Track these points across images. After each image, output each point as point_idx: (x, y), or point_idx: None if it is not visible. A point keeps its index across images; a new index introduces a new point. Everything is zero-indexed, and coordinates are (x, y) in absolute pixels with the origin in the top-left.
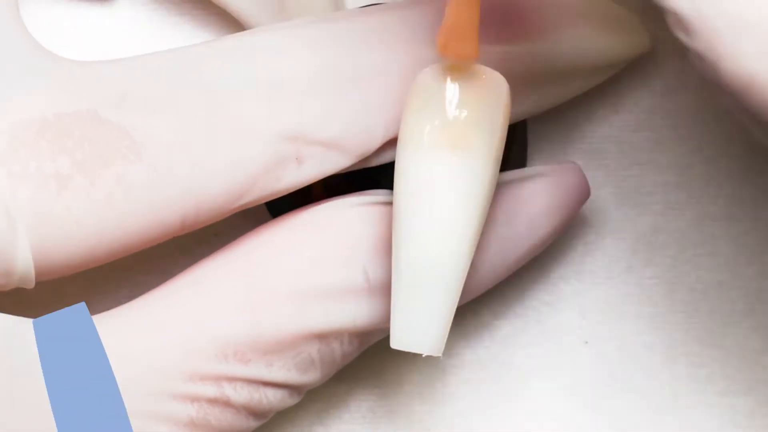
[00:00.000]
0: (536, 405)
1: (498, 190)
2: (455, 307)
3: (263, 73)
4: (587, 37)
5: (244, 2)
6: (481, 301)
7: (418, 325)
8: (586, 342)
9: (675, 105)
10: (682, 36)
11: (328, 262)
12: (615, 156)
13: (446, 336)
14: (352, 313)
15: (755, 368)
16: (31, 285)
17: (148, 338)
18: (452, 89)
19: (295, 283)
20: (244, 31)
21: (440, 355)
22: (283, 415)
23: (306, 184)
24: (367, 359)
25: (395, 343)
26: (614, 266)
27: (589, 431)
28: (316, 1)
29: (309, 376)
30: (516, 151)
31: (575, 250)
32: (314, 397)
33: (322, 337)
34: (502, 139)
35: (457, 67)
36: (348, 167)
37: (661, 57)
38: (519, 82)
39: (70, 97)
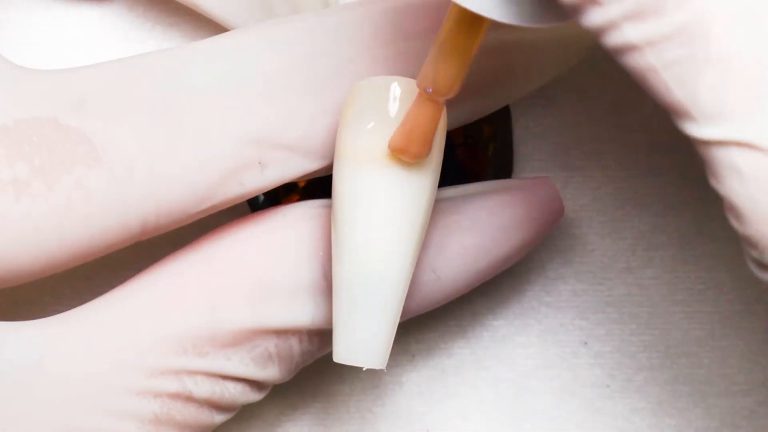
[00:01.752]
0: (536, 405)
1: (467, 198)
2: (397, 319)
3: (225, 76)
4: (546, 29)
5: (233, 9)
6: (481, 302)
7: (360, 339)
8: (586, 342)
9: None
10: (734, 222)
11: (288, 261)
12: (615, 156)
13: (389, 349)
14: (310, 310)
15: (755, 368)
16: None
17: (110, 335)
18: (388, 102)
19: (252, 278)
20: (210, 37)
21: (383, 368)
22: (283, 415)
23: (269, 188)
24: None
25: (338, 357)
26: (613, 267)
27: (589, 431)
28: (305, 8)
29: (268, 372)
30: (500, 160)
31: (575, 250)
32: (314, 397)
33: (279, 333)
34: (440, 151)
35: (393, 80)
36: (313, 172)
37: None
38: (478, 75)
39: (29, 103)
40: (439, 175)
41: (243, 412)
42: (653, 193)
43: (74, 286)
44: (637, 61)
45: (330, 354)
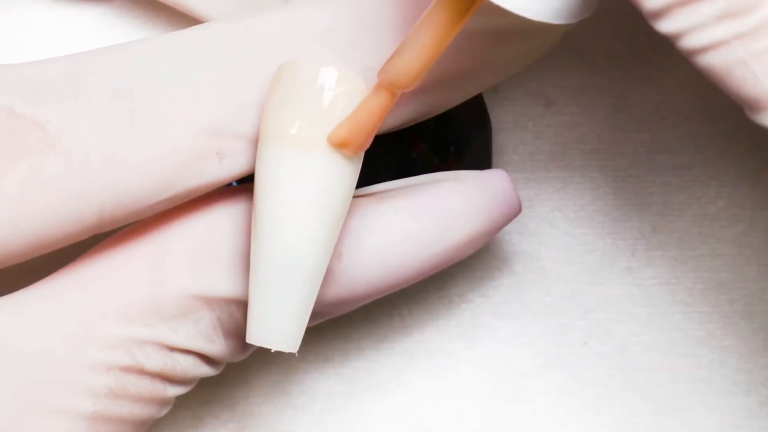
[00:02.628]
0: (536, 405)
1: (415, 186)
2: (311, 304)
3: (182, 66)
4: (507, 20)
5: (224, 11)
6: (481, 302)
7: (273, 322)
8: (586, 342)
9: (675, 105)
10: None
11: (228, 232)
12: (614, 156)
13: (302, 333)
14: None
15: (755, 368)
16: None
17: (58, 311)
18: (319, 88)
19: (194, 248)
20: (167, 32)
21: (295, 352)
22: (283, 414)
23: (229, 180)
24: (367, 359)
25: (251, 338)
26: (614, 266)
27: (589, 431)
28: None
29: (216, 346)
30: (476, 157)
31: (575, 250)
32: (315, 396)
33: (221, 303)
34: (367, 138)
35: (328, 66)
36: None
37: (661, 57)
38: (439, 70)
39: None
40: (361, 162)
41: (243, 411)
42: (653, 193)
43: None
44: (723, 57)
45: (331, 356)
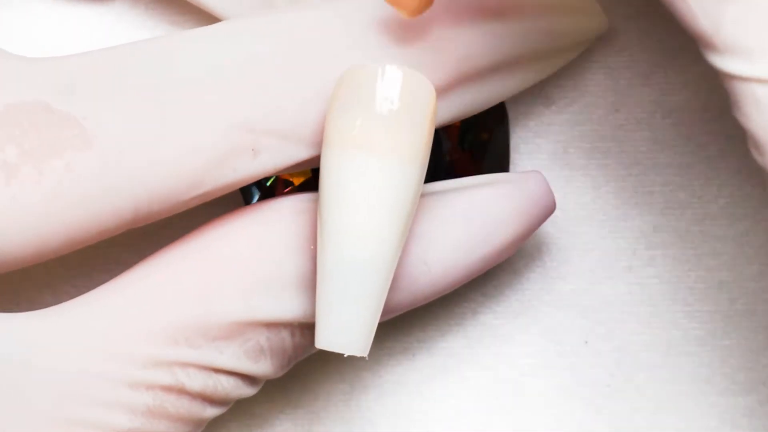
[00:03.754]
0: (537, 404)
1: (458, 191)
2: (381, 307)
3: (216, 62)
4: (543, 20)
5: (235, 6)
6: (482, 301)
7: (343, 326)
8: (586, 342)
9: (675, 105)
10: (755, 154)
11: (279, 254)
12: (615, 155)
13: (371, 336)
14: (302, 305)
15: (755, 368)
16: None
17: (101, 327)
18: (378, 91)
19: (244, 271)
20: (200, 27)
21: (365, 355)
22: (284, 413)
23: (263, 175)
24: (368, 358)
25: (319, 343)
26: (614, 266)
27: (589, 431)
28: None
29: (260, 366)
30: (496, 157)
31: (576, 249)
32: (315, 395)
33: (270, 326)
34: (428, 143)
35: (385, 66)
36: (306, 160)
37: (661, 57)
38: (472, 67)
39: (20, 88)
40: (427, 164)
41: (243, 410)
42: (654, 192)
43: (75, 284)
44: None
45: (331, 352)
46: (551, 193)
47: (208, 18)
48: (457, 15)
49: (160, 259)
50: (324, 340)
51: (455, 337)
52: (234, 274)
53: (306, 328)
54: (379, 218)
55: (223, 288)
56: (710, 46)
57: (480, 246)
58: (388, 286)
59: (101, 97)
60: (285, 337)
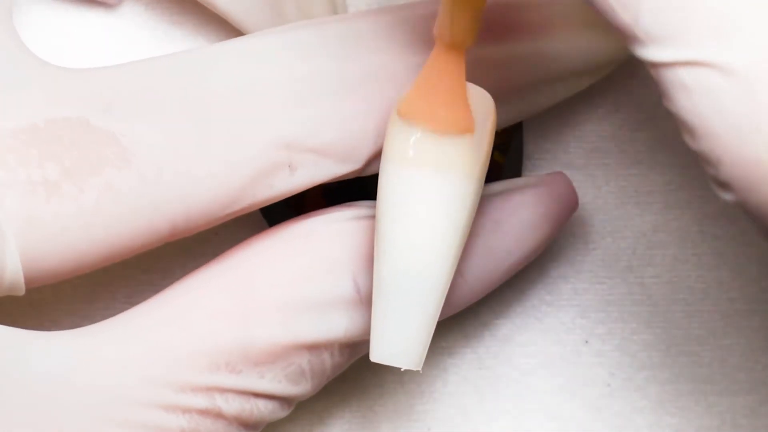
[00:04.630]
0: (536, 405)
1: (488, 199)
2: (435, 322)
3: (254, 79)
4: (573, 40)
5: (242, 9)
6: (481, 301)
7: (398, 340)
8: (586, 341)
9: None
10: (688, 140)
11: (319, 273)
12: (615, 155)
13: (426, 350)
14: (343, 323)
15: (755, 368)
16: (21, 292)
17: (140, 349)
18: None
19: (285, 294)
20: (236, 38)
21: (419, 369)
22: None
23: (298, 190)
24: (368, 359)
25: (375, 357)
26: (614, 266)
27: (589, 431)
28: (314, 7)
29: (300, 388)
30: (511, 159)
31: (575, 249)
32: (316, 396)
33: (312, 348)
34: (487, 158)
35: None
36: (342, 175)
37: None
38: (505, 86)
39: (60, 103)
40: (483, 180)
41: None
42: (654, 192)
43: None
44: None
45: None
46: (575, 192)
47: (209, 18)
48: (488, 36)
49: (199, 280)
50: (379, 354)
51: (456, 337)
52: (275, 297)
53: (345, 346)
54: (436, 233)
55: (264, 312)
56: (633, 38)
57: (512, 253)
58: (443, 301)
59: (140, 114)
60: (325, 359)
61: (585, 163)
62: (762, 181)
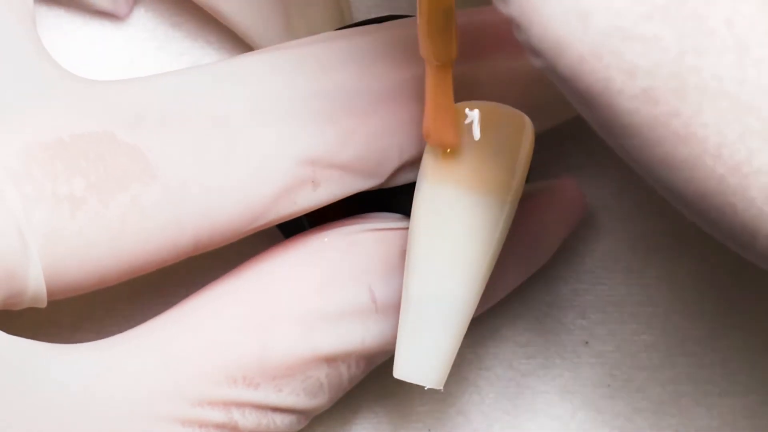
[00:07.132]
0: (537, 404)
1: None
2: (460, 343)
3: (280, 94)
4: None
5: (251, 21)
6: None
7: (422, 358)
8: (587, 342)
9: None
10: (501, 5)
11: (335, 285)
12: (615, 155)
13: (448, 370)
14: (360, 334)
15: (755, 368)
16: (43, 304)
17: (157, 362)
18: (471, 126)
19: (302, 306)
20: (259, 50)
21: (441, 388)
22: None
23: (321, 206)
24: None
25: (398, 373)
26: (614, 266)
27: (590, 431)
28: (322, 19)
29: (317, 401)
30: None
31: (575, 250)
32: None
33: (330, 360)
34: (522, 180)
35: (479, 106)
36: (365, 189)
37: None
38: (529, 102)
39: (86, 117)
40: (518, 200)
41: None
42: (655, 192)
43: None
44: None
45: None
46: (584, 197)
47: (209, 19)
48: (504, 48)
49: (216, 292)
50: (403, 372)
51: None
52: (292, 310)
53: (362, 358)
54: (467, 253)
55: (282, 325)
56: None
57: (527, 262)
58: (469, 320)
59: (166, 128)
60: (342, 372)
61: (584, 164)
62: (565, 41)
